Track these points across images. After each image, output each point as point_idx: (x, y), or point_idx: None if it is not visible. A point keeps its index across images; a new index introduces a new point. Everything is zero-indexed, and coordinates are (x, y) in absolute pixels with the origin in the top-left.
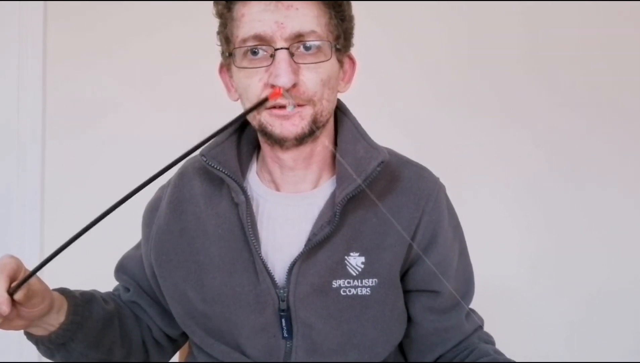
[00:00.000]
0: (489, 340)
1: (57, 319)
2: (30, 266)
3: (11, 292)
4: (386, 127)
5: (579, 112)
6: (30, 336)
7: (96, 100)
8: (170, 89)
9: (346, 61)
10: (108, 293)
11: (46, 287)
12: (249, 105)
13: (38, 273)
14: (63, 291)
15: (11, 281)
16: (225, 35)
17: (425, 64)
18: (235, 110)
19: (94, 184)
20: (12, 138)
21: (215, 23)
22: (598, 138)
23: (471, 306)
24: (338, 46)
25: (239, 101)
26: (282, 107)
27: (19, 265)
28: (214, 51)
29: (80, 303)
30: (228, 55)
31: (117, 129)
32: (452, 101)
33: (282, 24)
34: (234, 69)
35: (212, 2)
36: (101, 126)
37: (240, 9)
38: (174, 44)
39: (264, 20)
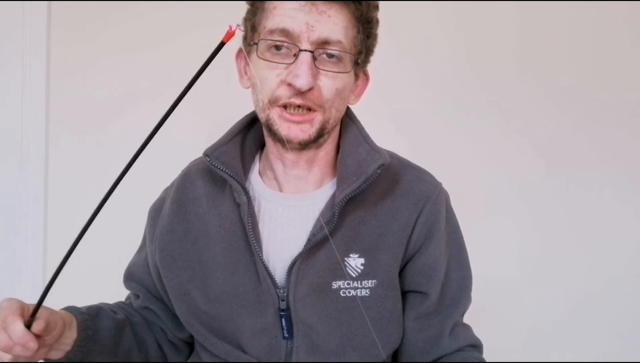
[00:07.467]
0: None
1: (70, 336)
2: (33, 269)
3: (28, 325)
4: (384, 129)
5: (573, 115)
6: None
7: (100, 104)
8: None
9: (361, 75)
10: (116, 304)
11: (53, 310)
12: (261, 97)
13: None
14: (70, 309)
15: (24, 319)
16: (252, 24)
17: (423, 66)
18: (240, 113)
19: (98, 188)
20: (15, 142)
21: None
22: (588, 139)
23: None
24: (358, 61)
25: (250, 89)
26: (294, 110)
27: (21, 302)
28: (218, 56)
29: (88, 317)
30: (251, 43)
31: (121, 134)
32: (448, 103)
33: (312, 26)
34: (254, 58)
35: (216, 10)
36: (105, 130)
37: (273, 2)
38: (179, 50)
39: (295, 18)
